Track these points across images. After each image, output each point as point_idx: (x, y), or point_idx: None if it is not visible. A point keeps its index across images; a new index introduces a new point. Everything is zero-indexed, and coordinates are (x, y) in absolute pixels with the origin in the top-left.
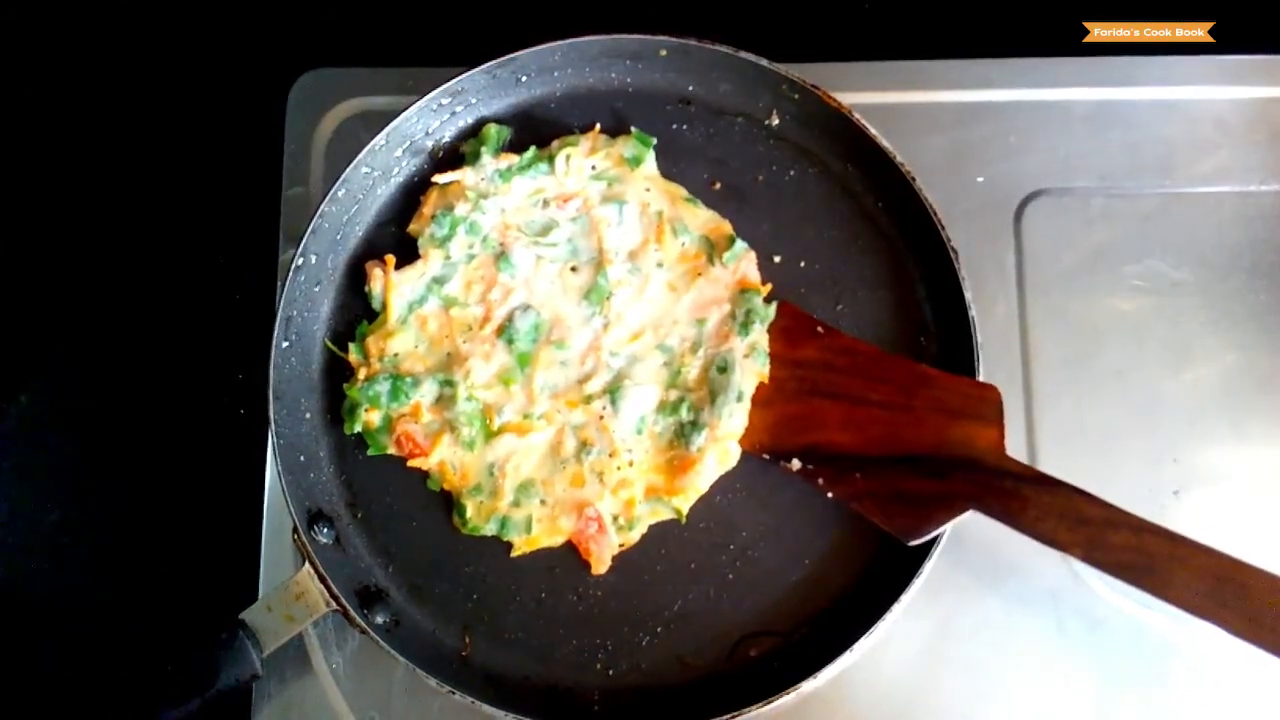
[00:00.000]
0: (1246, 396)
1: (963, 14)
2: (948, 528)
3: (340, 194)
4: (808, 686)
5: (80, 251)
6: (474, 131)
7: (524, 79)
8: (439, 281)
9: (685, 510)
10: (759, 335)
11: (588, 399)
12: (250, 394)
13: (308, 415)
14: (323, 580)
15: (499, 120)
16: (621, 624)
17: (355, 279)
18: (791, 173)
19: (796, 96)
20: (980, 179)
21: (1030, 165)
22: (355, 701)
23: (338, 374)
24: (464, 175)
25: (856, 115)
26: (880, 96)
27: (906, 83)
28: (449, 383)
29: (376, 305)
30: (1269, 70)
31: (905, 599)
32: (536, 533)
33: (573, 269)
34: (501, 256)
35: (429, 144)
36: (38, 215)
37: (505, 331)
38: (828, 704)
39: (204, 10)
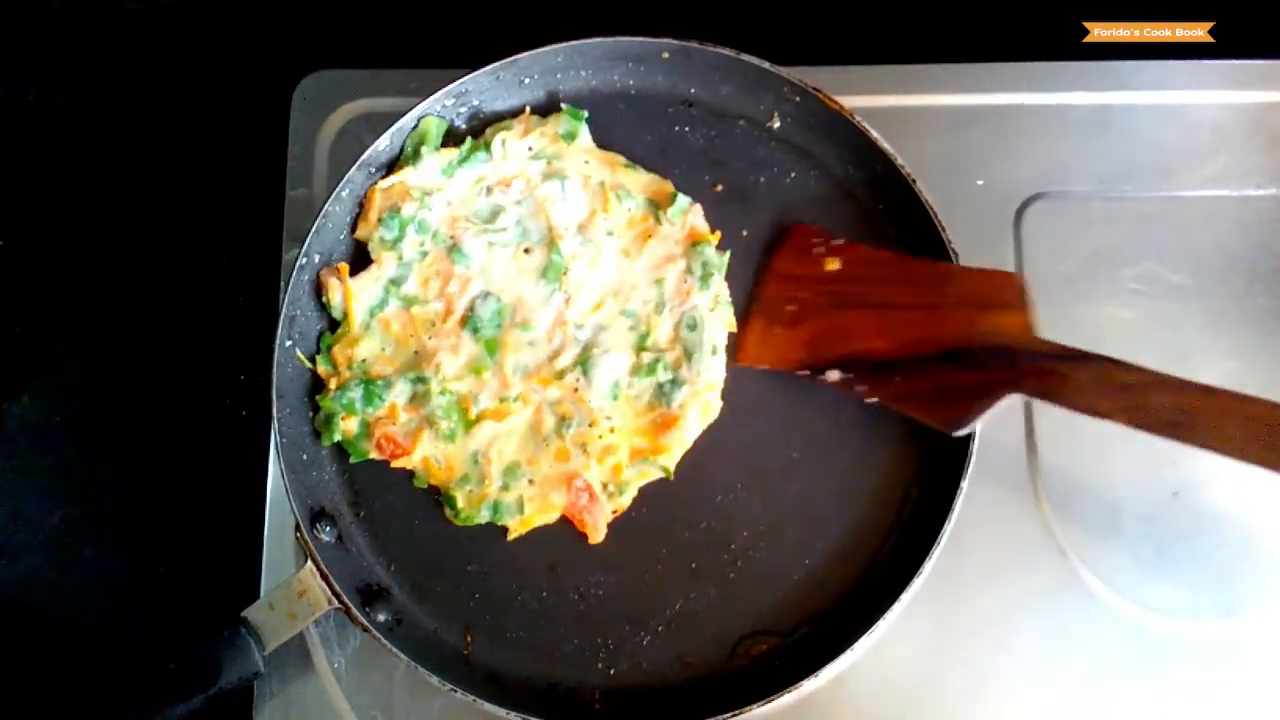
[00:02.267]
0: None
1: (963, 18)
2: (989, 415)
3: (344, 195)
4: (808, 686)
5: (84, 252)
6: (479, 131)
7: (526, 81)
8: (396, 283)
9: (672, 467)
10: (719, 286)
11: (560, 374)
12: (253, 393)
13: (310, 414)
14: (325, 578)
15: (500, 121)
16: (622, 623)
17: None
18: (793, 175)
19: (798, 99)
20: (980, 182)
21: (1030, 169)
22: (357, 699)
23: None
24: (406, 175)
25: (858, 118)
26: (881, 99)
27: (907, 86)
28: (421, 380)
29: (337, 314)
30: (1267, 75)
31: (905, 599)
32: (529, 513)
33: (526, 250)
34: (454, 249)
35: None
36: (41, 216)
37: (469, 322)
38: (828, 704)
39: (208, 12)
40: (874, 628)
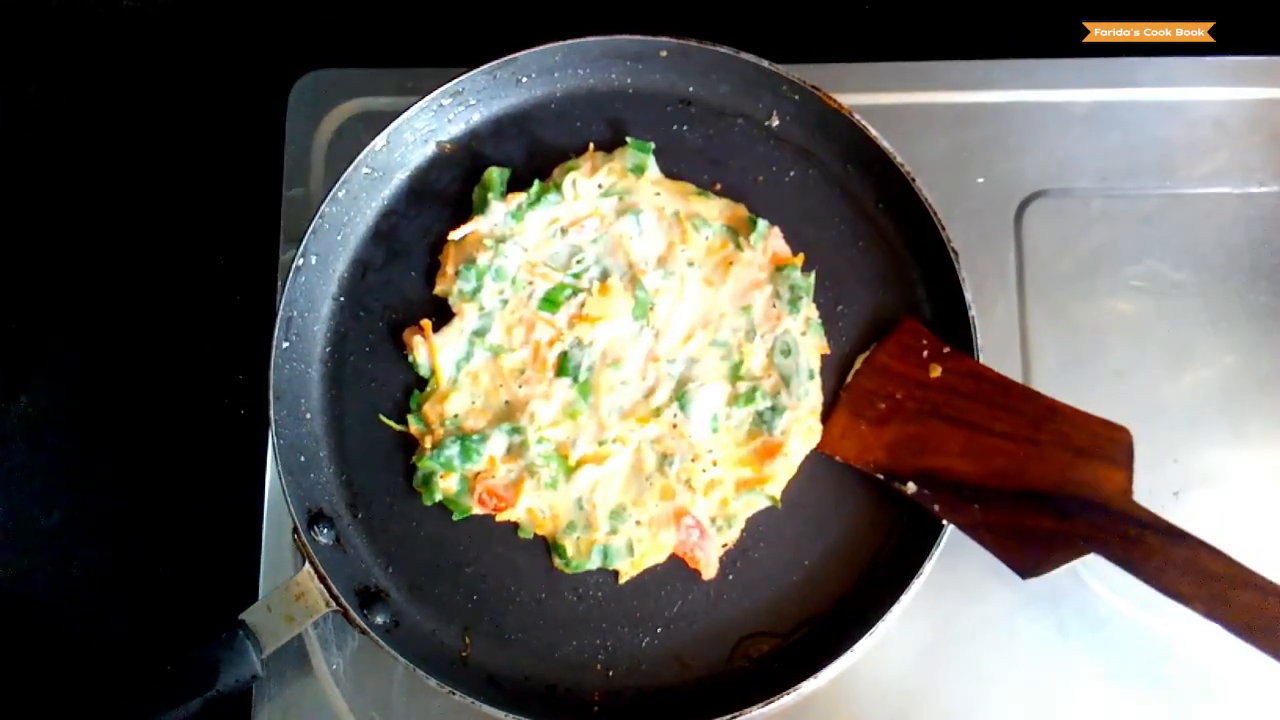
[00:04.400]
0: (1247, 397)
1: (963, 15)
2: (1065, 568)
3: (341, 195)
4: (808, 686)
5: (81, 252)
6: (476, 132)
7: (524, 80)
8: (479, 334)
9: (779, 495)
10: (808, 309)
11: (657, 411)
12: (251, 394)
13: (308, 416)
14: (323, 580)
15: (498, 120)
16: (621, 624)
17: (355, 281)
18: (792, 174)
19: (797, 97)
20: (980, 180)
21: (1030, 166)
22: (355, 702)
23: (339, 376)
24: (477, 225)
25: (857, 116)
26: (880, 97)
27: (907, 83)
28: (516, 430)
29: (424, 372)
30: (1269, 71)
31: (905, 599)
32: (640, 554)
33: None
34: (534, 295)
35: (429, 145)
36: (38, 215)
37: (562, 367)
38: (828, 704)
39: (205, 11)
40: (874, 629)
